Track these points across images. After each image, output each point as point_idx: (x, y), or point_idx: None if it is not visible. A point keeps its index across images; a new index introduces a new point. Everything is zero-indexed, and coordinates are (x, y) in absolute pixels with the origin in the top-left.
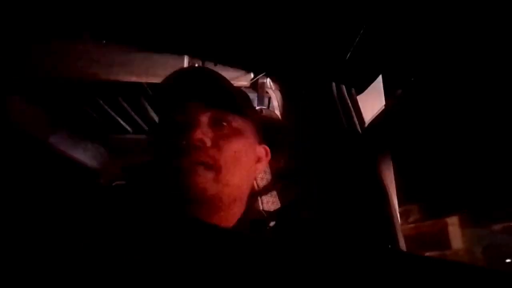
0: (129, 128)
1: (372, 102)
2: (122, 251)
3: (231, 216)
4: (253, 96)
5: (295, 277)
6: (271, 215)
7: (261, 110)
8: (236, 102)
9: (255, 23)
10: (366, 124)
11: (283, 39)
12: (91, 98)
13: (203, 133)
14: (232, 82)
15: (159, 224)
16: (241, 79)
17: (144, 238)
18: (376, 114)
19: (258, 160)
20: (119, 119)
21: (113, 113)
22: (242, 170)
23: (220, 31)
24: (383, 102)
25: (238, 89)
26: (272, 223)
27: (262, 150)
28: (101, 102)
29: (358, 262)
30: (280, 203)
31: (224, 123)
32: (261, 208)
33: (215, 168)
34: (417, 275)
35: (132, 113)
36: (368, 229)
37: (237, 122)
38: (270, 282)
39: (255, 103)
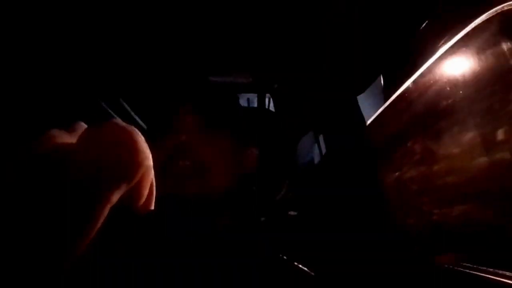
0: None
1: (372, 102)
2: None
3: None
4: (253, 96)
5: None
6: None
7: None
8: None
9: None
10: (366, 124)
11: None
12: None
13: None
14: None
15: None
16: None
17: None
18: (376, 114)
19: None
20: (119, 119)
21: (113, 113)
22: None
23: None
24: (383, 102)
25: None
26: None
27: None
28: (101, 102)
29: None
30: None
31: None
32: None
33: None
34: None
35: (132, 113)
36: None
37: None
38: None
39: (255, 103)
